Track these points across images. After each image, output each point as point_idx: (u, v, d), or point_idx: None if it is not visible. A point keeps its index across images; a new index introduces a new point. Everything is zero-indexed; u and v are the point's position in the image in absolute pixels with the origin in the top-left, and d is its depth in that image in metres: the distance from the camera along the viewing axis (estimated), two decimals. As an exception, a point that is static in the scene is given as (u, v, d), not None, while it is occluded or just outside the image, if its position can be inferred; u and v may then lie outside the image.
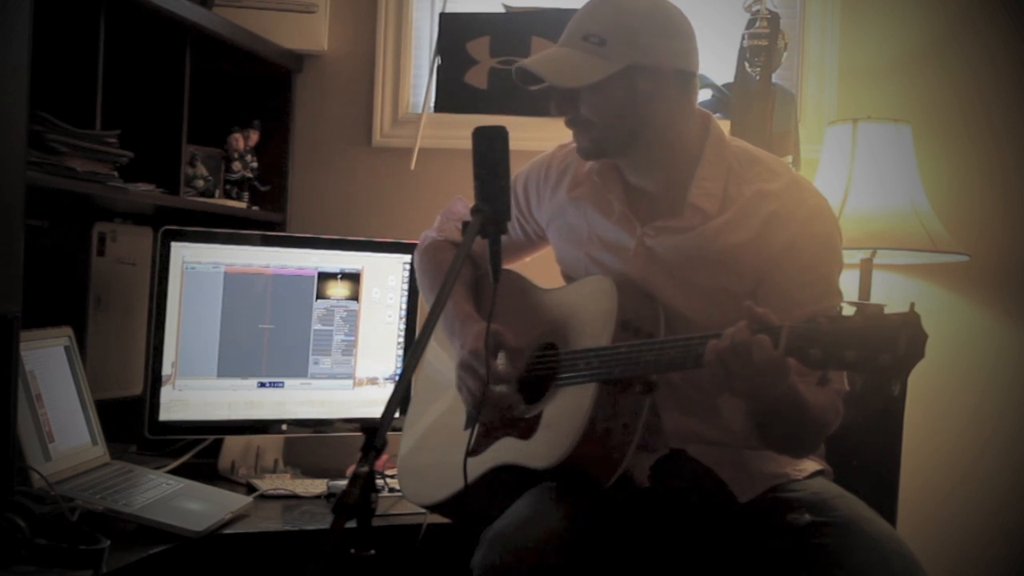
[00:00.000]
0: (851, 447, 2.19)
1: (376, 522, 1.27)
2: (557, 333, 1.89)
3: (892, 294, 2.74)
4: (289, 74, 2.89)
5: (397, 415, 2.04)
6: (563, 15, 2.77)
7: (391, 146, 2.91)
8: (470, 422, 1.90)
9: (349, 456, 2.37)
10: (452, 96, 2.89)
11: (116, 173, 2.17)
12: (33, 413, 2.01)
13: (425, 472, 2.03)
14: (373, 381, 2.59)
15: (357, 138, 2.93)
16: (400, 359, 2.61)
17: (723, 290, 1.79)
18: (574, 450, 1.70)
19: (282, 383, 2.51)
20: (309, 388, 2.53)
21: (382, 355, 2.60)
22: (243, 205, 2.74)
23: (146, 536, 1.92)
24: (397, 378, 2.57)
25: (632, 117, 1.78)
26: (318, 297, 2.53)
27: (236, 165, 2.75)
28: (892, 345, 1.41)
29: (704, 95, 2.76)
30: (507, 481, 1.83)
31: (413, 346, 1.79)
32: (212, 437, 2.53)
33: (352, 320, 2.56)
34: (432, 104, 2.90)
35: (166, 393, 2.38)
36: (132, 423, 2.42)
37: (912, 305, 1.43)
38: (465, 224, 1.60)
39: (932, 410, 2.74)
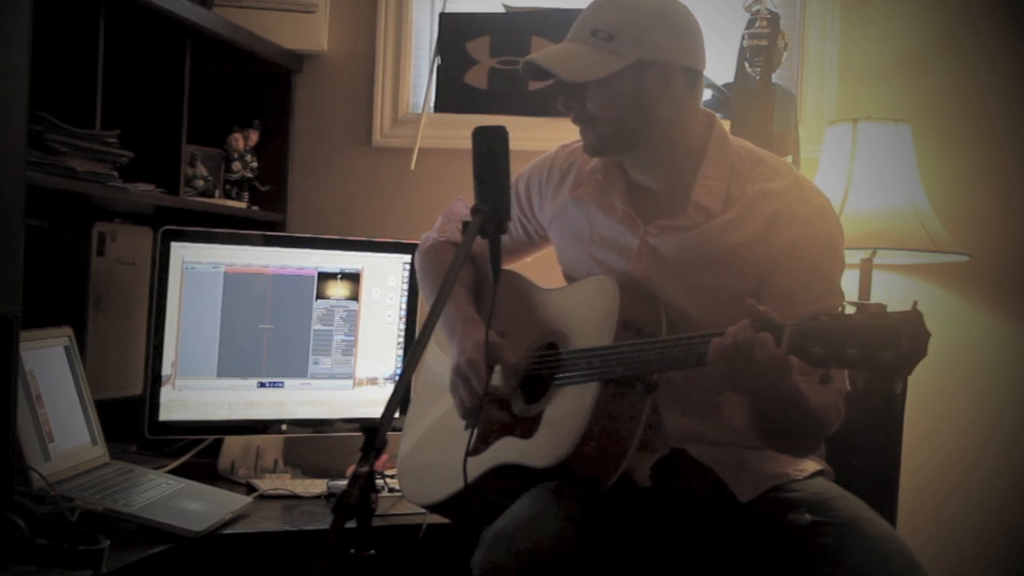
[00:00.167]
0: (851, 447, 2.19)
1: (376, 522, 1.26)
2: (558, 333, 1.89)
3: (892, 294, 2.74)
4: (289, 74, 2.89)
5: (397, 415, 2.04)
6: (563, 15, 2.81)
7: (391, 146, 2.91)
8: (469, 423, 1.90)
9: (349, 456, 2.36)
10: (452, 96, 2.89)
11: (116, 173, 2.17)
12: (33, 413, 2.01)
13: (425, 472, 2.03)
14: (373, 381, 2.59)
15: (357, 138, 2.93)
16: (400, 359, 2.61)
17: (725, 289, 1.79)
18: (575, 449, 1.70)
19: (282, 383, 2.51)
20: (309, 388, 2.53)
21: (382, 355, 2.60)
22: (243, 205, 2.74)
23: (146, 536, 1.92)
24: (397, 378, 2.57)
25: (639, 113, 1.78)
26: (318, 297, 2.53)
27: (236, 165, 2.75)
28: (895, 343, 1.41)
29: (704, 95, 2.76)
30: (507, 481, 1.83)
31: (413, 346, 1.79)
32: (212, 437, 2.53)
33: (352, 320, 2.56)
34: (432, 104, 2.90)
35: (166, 393, 2.38)
36: (132, 423, 2.42)
37: (915, 304, 1.43)
38: (465, 224, 1.60)
39: (932, 410, 2.73)
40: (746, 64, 2.57)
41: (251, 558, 2.08)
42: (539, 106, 2.77)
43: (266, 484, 2.40)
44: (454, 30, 2.89)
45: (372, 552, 1.26)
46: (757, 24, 2.56)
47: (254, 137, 2.80)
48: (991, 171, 2.78)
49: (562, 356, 1.84)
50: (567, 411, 1.77)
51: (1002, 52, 2.78)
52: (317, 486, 2.41)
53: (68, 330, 2.22)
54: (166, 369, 2.38)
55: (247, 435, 2.52)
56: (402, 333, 2.61)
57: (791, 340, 1.50)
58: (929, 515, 2.73)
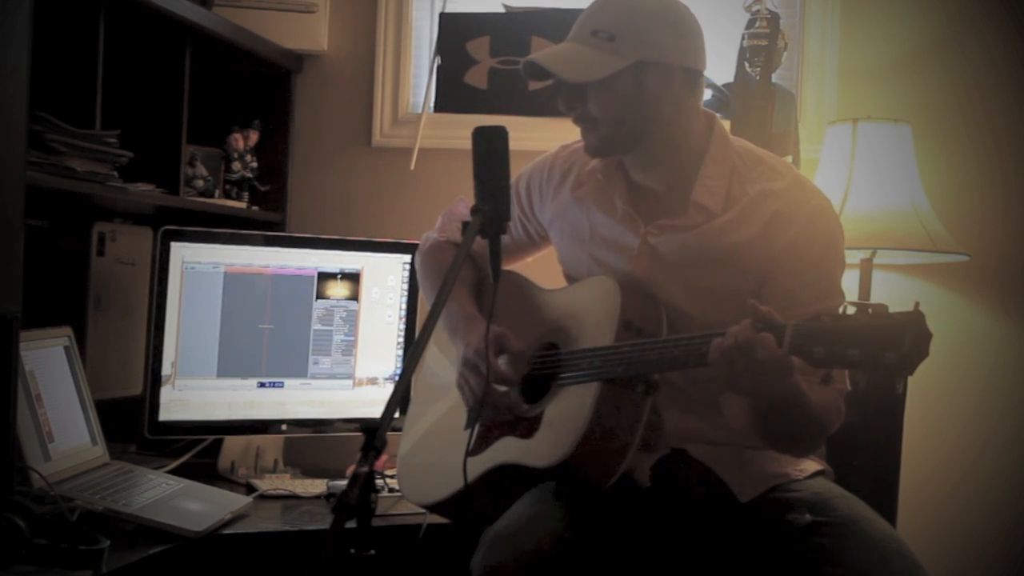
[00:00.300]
0: (851, 447, 2.19)
1: (376, 522, 1.27)
2: (559, 333, 1.89)
3: (892, 294, 2.74)
4: (289, 74, 2.89)
5: (397, 415, 2.04)
6: (563, 15, 2.81)
7: (391, 146, 2.91)
8: (470, 422, 1.90)
9: (349, 456, 2.36)
10: (452, 96, 2.89)
11: (116, 173, 2.17)
12: (33, 413, 2.01)
13: (425, 472, 2.03)
14: (373, 381, 2.59)
15: (357, 138, 2.93)
16: (400, 359, 2.61)
17: (726, 289, 1.79)
18: (575, 449, 1.70)
19: (282, 383, 2.51)
20: (309, 388, 2.53)
21: (382, 355, 2.60)
22: (243, 205, 2.74)
23: (146, 536, 1.92)
24: (397, 378, 2.57)
25: (639, 114, 1.78)
26: (318, 297, 2.53)
27: (236, 165, 2.75)
28: (897, 343, 1.41)
29: (704, 95, 2.75)
30: (507, 481, 1.83)
31: (413, 346, 1.79)
32: (212, 437, 2.53)
33: (352, 320, 2.56)
34: (432, 104, 2.90)
35: (166, 393, 2.38)
36: (132, 423, 2.42)
37: (916, 304, 1.43)
38: (465, 224, 1.60)
39: (932, 410, 2.73)
40: (746, 64, 2.57)
41: (251, 558, 2.08)
42: (539, 106, 2.77)
43: (266, 484, 2.40)
44: (454, 30, 2.89)
45: (372, 552, 1.26)
46: (757, 24, 2.56)
47: (254, 137, 2.80)
48: (991, 171, 2.78)
49: (563, 356, 1.84)
50: (568, 411, 1.77)
51: (1002, 52, 2.77)
52: (317, 486, 2.41)
53: (68, 330, 2.22)
54: (166, 369, 2.38)
55: (247, 435, 2.52)
56: (402, 333, 2.61)
57: (792, 340, 1.50)
58: (929, 515, 2.73)
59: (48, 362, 2.13)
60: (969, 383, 2.79)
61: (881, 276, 2.71)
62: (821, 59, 2.82)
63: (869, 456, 2.36)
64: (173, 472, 2.31)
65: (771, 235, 1.77)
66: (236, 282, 2.44)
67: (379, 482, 2.01)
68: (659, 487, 1.80)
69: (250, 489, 2.38)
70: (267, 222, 2.82)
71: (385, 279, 2.59)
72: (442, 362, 2.07)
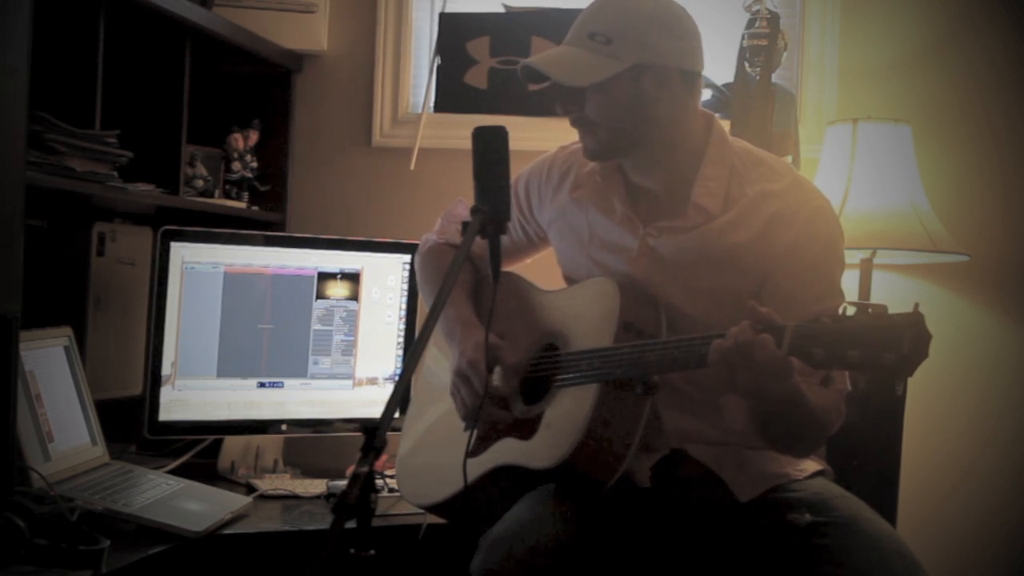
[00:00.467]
0: (851, 447, 2.19)
1: (376, 522, 1.26)
2: (558, 334, 1.89)
3: (892, 294, 2.74)
4: (289, 74, 2.89)
5: (397, 415, 2.04)
6: (563, 15, 2.81)
7: (391, 146, 2.91)
8: (468, 426, 1.89)
9: (349, 456, 2.36)
10: (452, 96, 2.89)
11: (116, 173, 2.17)
12: (33, 413, 2.01)
13: (424, 473, 2.03)
14: (373, 381, 2.59)
15: (357, 138, 2.93)
16: (400, 359, 2.61)
17: (726, 290, 1.79)
18: (575, 451, 1.70)
19: (282, 383, 2.51)
20: (309, 388, 2.53)
21: (382, 355, 2.60)
22: (243, 205, 2.74)
23: (146, 536, 1.92)
24: (397, 378, 2.57)
25: (637, 117, 1.78)
26: (318, 297, 2.53)
27: (236, 165, 2.75)
28: (896, 345, 1.41)
29: (704, 95, 2.75)
30: (507, 482, 1.83)
31: (413, 346, 1.79)
32: (212, 437, 2.53)
33: (352, 320, 2.56)
34: (432, 104, 2.90)
35: (166, 393, 2.38)
36: (132, 423, 2.42)
37: (916, 305, 1.43)
38: (465, 225, 1.60)
39: (932, 410, 2.73)
40: (746, 64, 2.57)
41: (251, 558, 2.08)
42: (539, 106, 2.77)
43: (266, 484, 2.40)
44: (454, 30, 2.89)
45: (372, 552, 1.26)
46: (757, 24, 2.56)
47: (254, 137, 2.80)
48: (991, 171, 2.78)
49: (562, 357, 1.84)
50: (567, 412, 1.77)
51: (1002, 52, 2.77)
52: (317, 486, 2.41)
53: (68, 330, 2.22)
54: (166, 369, 2.38)
55: (247, 435, 2.52)
56: (402, 333, 2.61)
57: (792, 341, 1.50)
58: (929, 515, 2.73)
59: (48, 362, 2.13)
60: (969, 383, 2.79)
61: (881, 276, 2.71)
62: (821, 59, 2.82)
63: (869, 456, 2.36)
64: (173, 472, 2.31)
65: (771, 236, 1.77)
66: (236, 282, 2.44)
67: (379, 482, 2.01)
68: (659, 488, 1.80)
69: (250, 489, 2.37)
70: (267, 222, 2.82)
71: (385, 279, 2.59)
72: (441, 363, 2.07)
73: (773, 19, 2.55)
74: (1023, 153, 2.79)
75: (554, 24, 2.80)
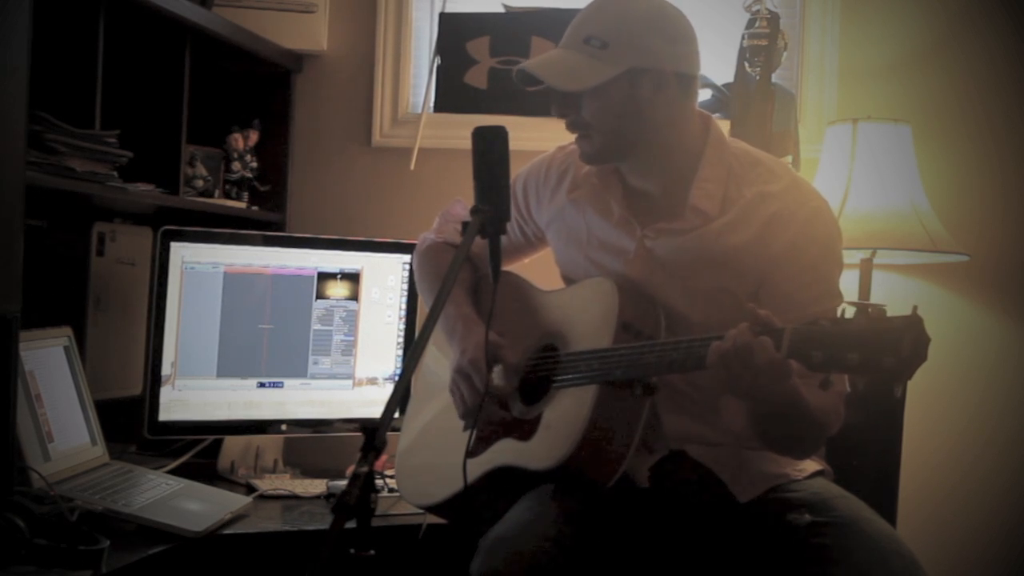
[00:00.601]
0: (851, 447, 2.19)
1: (376, 522, 1.26)
2: (557, 335, 1.89)
3: (892, 294, 2.74)
4: (289, 74, 2.89)
5: (397, 415, 2.04)
6: (563, 15, 2.80)
7: (391, 146, 2.91)
8: (467, 426, 1.89)
9: (349, 456, 2.36)
10: (452, 96, 2.89)
11: (116, 173, 2.17)
12: (32, 413, 2.01)
13: (424, 473, 2.03)
14: (373, 381, 2.59)
15: (357, 138, 2.93)
16: (400, 359, 2.61)
17: (724, 292, 1.79)
18: (574, 451, 1.70)
19: (282, 383, 2.51)
20: (309, 388, 2.53)
21: (382, 355, 2.60)
22: (243, 205, 2.74)
23: (146, 536, 1.92)
24: (397, 378, 2.57)
25: (633, 120, 1.78)
26: (318, 297, 2.53)
27: (236, 165, 2.75)
28: (895, 348, 1.41)
29: (704, 95, 2.76)
30: (506, 483, 1.83)
31: (412, 346, 1.79)
32: (212, 437, 2.53)
33: (352, 320, 2.56)
34: (432, 104, 2.90)
35: (166, 393, 2.38)
36: (132, 423, 2.42)
37: (915, 308, 1.43)
38: (464, 225, 1.60)
39: (932, 410, 2.73)
40: (746, 64, 2.57)
41: (251, 558, 2.08)
42: (539, 106, 2.73)
43: (266, 484, 2.40)
44: (454, 30, 2.89)
45: (372, 552, 1.26)
46: (757, 24, 2.56)
47: (254, 137, 2.80)
48: (991, 171, 2.78)
49: (561, 358, 1.84)
50: (566, 413, 1.77)
51: (1002, 52, 2.77)
52: (317, 486, 2.41)
53: (68, 330, 2.22)
54: (166, 369, 2.38)
55: (247, 435, 2.52)
56: (402, 333, 2.61)
57: (791, 344, 1.50)
58: (929, 515, 2.73)
59: (48, 362, 2.13)
60: (969, 383, 2.78)
61: (881, 276, 2.71)
62: (821, 59, 2.82)
63: (869, 456, 2.36)
64: (173, 472, 2.31)
65: (769, 237, 1.77)
66: (236, 282, 2.44)
67: (379, 482, 2.00)
68: (658, 488, 1.80)
69: (250, 489, 2.38)
70: (267, 222, 2.82)
71: (385, 279, 2.59)
72: (441, 362, 2.07)
73: (773, 19, 2.55)
74: (1023, 153, 2.79)
75: (554, 24, 2.80)
